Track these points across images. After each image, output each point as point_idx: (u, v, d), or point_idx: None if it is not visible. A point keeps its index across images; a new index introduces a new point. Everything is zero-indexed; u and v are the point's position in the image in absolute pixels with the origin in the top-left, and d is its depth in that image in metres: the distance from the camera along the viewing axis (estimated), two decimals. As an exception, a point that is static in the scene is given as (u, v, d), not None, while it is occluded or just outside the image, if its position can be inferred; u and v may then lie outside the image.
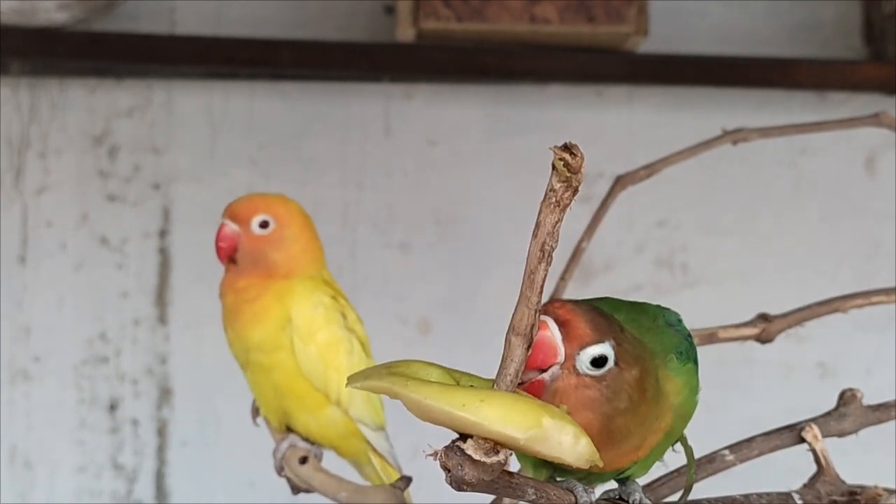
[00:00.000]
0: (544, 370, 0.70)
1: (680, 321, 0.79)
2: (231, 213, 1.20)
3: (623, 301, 0.80)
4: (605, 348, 0.70)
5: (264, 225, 1.19)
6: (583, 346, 0.70)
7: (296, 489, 1.21)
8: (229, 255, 1.19)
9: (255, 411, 1.25)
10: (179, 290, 1.91)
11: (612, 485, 0.82)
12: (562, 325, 0.70)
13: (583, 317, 0.70)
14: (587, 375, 0.70)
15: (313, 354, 1.18)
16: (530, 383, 0.70)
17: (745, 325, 1.09)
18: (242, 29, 1.92)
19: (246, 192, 1.90)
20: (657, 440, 0.75)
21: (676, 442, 0.85)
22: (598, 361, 0.70)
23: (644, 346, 0.74)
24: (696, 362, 0.78)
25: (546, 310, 0.70)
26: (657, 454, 0.78)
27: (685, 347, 0.77)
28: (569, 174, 0.62)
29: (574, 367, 0.70)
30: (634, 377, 0.71)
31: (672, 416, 0.75)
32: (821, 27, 2.02)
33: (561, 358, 0.69)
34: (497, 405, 0.64)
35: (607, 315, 0.72)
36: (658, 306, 0.80)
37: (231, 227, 1.19)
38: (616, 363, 0.70)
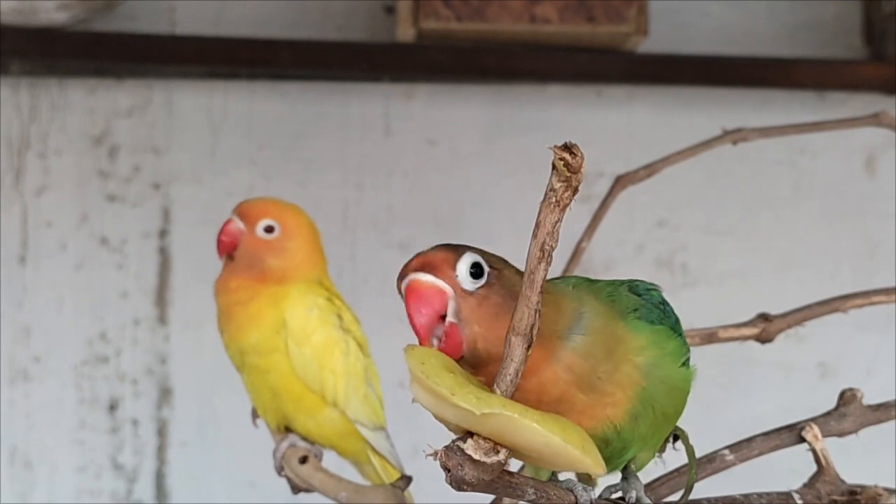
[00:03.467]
0: (444, 316, 0.71)
1: (649, 290, 0.79)
2: (240, 211, 1.20)
3: (589, 278, 0.81)
4: (470, 256, 0.71)
5: (269, 230, 1.19)
6: (454, 267, 0.71)
7: (296, 489, 1.21)
8: (228, 252, 1.19)
9: (255, 413, 1.25)
10: (179, 290, 1.91)
11: (612, 481, 0.82)
12: (425, 268, 0.71)
13: (431, 251, 0.72)
14: (479, 289, 0.71)
15: (308, 357, 1.18)
16: (446, 331, 0.70)
17: (745, 325, 1.09)
18: (242, 29, 1.92)
19: (246, 193, 1.92)
20: (628, 398, 0.74)
21: (677, 440, 0.84)
22: (476, 270, 0.71)
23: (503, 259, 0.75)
24: (673, 329, 0.77)
25: (404, 274, 0.72)
26: (644, 428, 0.76)
27: (655, 314, 0.77)
28: (569, 174, 0.62)
29: (463, 290, 0.71)
30: (514, 271, 0.73)
31: (641, 375, 0.74)
32: (821, 27, 2.02)
33: (449, 290, 0.70)
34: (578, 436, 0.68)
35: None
36: (631, 280, 0.80)
37: (237, 224, 1.19)
38: (490, 266, 0.72)
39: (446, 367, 0.68)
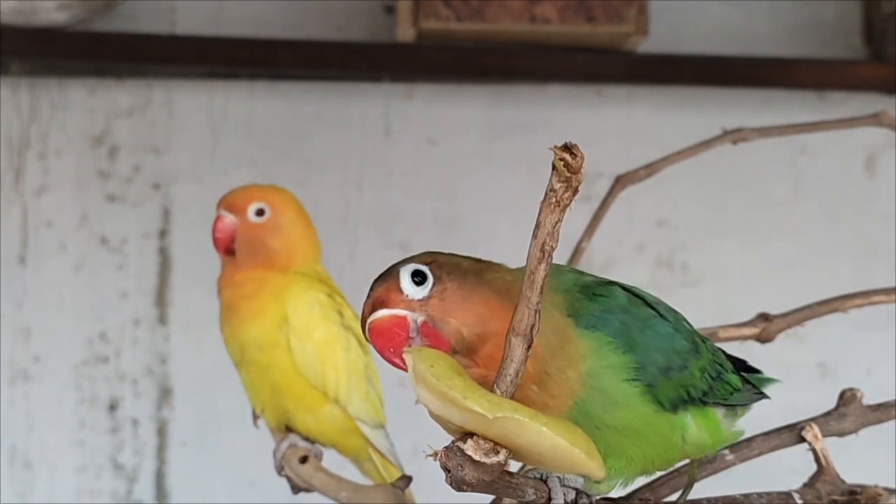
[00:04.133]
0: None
1: (602, 296, 0.76)
2: (227, 203, 1.20)
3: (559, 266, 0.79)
4: (406, 270, 0.73)
5: (260, 213, 1.19)
6: (399, 289, 0.73)
7: (296, 489, 1.21)
8: (227, 246, 1.19)
9: (256, 415, 1.25)
10: (179, 290, 1.91)
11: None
12: (377, 307, 0.73)
13: (374, 289, 0.74)
14: (433, 289, 0.72)
15: (310, 353, 1.18)
16: (422, 334, 0.72)
17: (745, 325, 1.09)
18: (242, 29, 1.92)
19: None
20: (566, 405, 0.72)
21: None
22: (419, 278, 0.73)
23: (473, 261, 0.76)
24: (625, 342, 0.75)
25: (364, 320, 0.74)
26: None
27: (602, 323, 0.75)
28: (569, 174, 0.62)
29: (419, 300, 0.72)
30: (457, 259, 0.75)
31: (580, 384, 0.73)
32: (821, 27, 2.02)
33: (404, 312, 0.72)
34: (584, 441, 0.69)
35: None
36: (597, 282, 0.78)
37: (228, 217, 1.19)
38: (428, 263, 0.74)
39: (455, 369, 0.68)
